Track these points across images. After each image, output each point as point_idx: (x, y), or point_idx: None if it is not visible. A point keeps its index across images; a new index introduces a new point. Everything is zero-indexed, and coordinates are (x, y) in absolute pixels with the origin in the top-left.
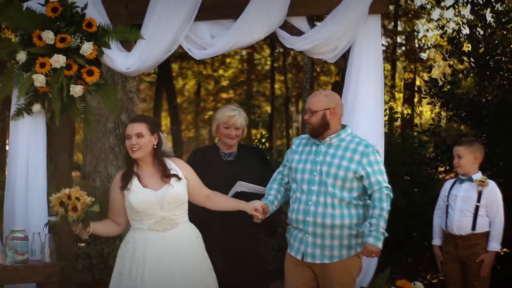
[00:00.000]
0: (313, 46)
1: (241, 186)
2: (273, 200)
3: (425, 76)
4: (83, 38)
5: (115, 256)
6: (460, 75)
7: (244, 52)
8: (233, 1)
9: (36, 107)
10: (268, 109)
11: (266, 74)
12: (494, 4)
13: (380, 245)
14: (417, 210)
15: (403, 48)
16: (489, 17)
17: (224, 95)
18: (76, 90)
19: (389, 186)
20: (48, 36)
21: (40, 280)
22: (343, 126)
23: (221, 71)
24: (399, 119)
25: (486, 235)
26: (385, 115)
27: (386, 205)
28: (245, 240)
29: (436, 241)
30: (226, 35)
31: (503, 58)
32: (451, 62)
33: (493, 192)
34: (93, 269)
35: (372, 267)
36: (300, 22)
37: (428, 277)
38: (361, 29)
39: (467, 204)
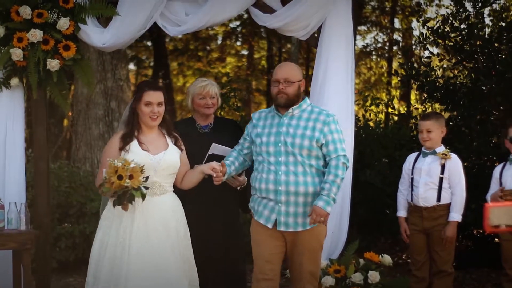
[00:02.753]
0: (284, 23)
1: (215, 148)
2: (230, 164)
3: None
4: (60, 14)
5: None
6: (435, 58)
7: (244, 52)
8: None
9: (14, 81)
10: (264, 106)
11: (263, 70)
12: None
13: (329, 209)
14: (391, 189)
15: (400, 45)
16: (468, 5)
17: (223, 90)
18: (53, 64)
19: (347, 155)
20: (26, 11)
21: (15, 247)
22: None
23: (220, 68)
24: (395, 116)
25: (449, 206)
26: (381, 112)
27: (341, 173)
28: (222, 215)
29: (401, 212)
30: (200, 12)
31: (478, 42)
32: (426, 45)
33: (455, 164)
34: (76, 248)
35: (342, 240)
36: (272, 0)
37: (404, 257)
38: (332, 7)
39: (431, 177)
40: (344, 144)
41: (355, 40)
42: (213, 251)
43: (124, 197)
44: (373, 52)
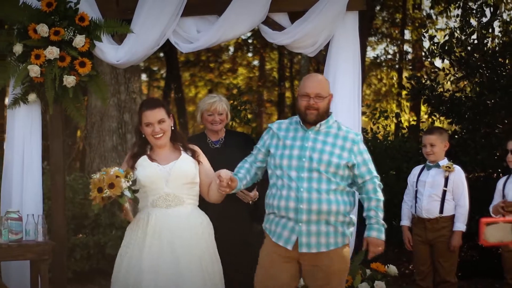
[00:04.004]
0: (293, 40)
1: None
2: (242, 178)
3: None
4: (76, 32)
5: (112, 246)
6: (441, 72)
7: (256, 62)
8: None
9: (32, 96)
10: (275, 116)
11: (274, 81)
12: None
13: (383, 237)
14: (398, 201)
15: (409, 56)
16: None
17: (234, 102)
18: (69, 80)
19: (378, 175)
20: (43, 29)
21: (33, 258)
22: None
23: (231, 79)
24: (406, 128)
25: (452, 218)
26: (389, 125)
27: (381, 195)
28: (235, 227)
29: (405, 222)
30: (211, 30)
31: (483, 57)
32: (433, 60)
33: (458, 176)
34: (91, 259)
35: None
36: (281, 18)
37: (410, 267)
38: (339, 24)
39: (435, 189)
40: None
41: (365, 51)
42: (225, 265)
43: (115, 206)
44: (383, 64)
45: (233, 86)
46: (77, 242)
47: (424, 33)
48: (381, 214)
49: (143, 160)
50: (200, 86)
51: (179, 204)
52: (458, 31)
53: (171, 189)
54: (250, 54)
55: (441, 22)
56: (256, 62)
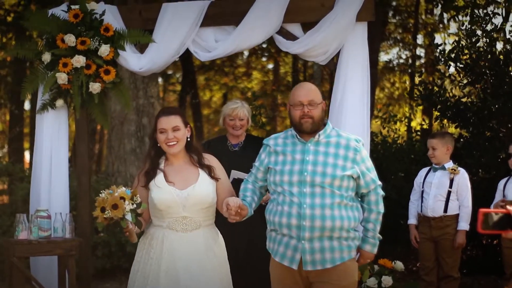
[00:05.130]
0: (306, 49)
1: (235, 174)
2: (251, 202)
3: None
4: (101, 41)
5: (132, 244)
6: (447, 79)
7: (270, 66)
8: (235, 9)
9: (59, 102)
10: (289, 119)
11: (288, 85)
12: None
13: (375, 251)
14: (406, 202)
15: (422, 60)
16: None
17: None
18: (95, 87)
19: (380, 183)
20: (70, 39)
21: (61, 253)
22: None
23: (246, 83)
24: (417, 132)
25: (456, 217)
26: (398, 129)
27: (382, 207)
28: (252, 239)
29: (412, 220)
30: (228, 39)
31: (487, 64)
32: (440, 67)
33: (463, 178)
34: (112, 257)
35: None
36: (294, 28)
37: (418, 264)
38: (349, 35)
39: (440, 190)
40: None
41: (378, 56)
42: (237, 268)
43: (117, 228)
44: (396, 68)
45: (247, 90)
46: (99, 240)
47: (431, 42)
48: (378, 227)
49: (159, 182)
50: (215, 90)
51: (196, 228)
52: (463, 40)
53: (188, 213)
54: (264, 59)
55: (454, 26)
56: (270, 66)
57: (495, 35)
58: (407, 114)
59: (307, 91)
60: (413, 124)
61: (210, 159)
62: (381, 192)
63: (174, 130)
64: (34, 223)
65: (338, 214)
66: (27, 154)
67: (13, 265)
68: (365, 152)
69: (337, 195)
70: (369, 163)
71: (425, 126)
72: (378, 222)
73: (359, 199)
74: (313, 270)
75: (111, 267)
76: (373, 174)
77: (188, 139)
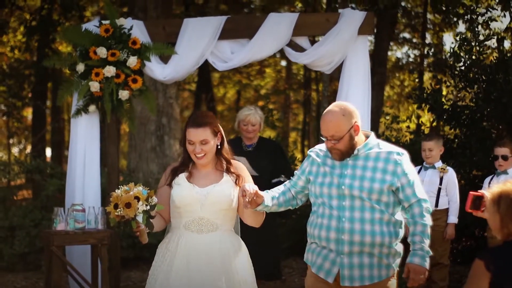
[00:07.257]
0: (312, 60)
1: (242, 160)
2: (274, 197)
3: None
4: (129, 53)
5: (154, 235)
6: (443, 84)
7: (284, 63)
8: (249, 24)
9: (92, 107)
10: (301, 116)
11: (300, 83)
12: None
13: (427, 265)
14: None
15: (430, 59)
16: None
17: (261, 103)
18: (124, 94)
19: (426, 197)
20: (102, 51)
21: (94, 243)
22: (366, 133)
23: (259, 81)
24: (425, 130)
25: (446, 211)
26: (401, 126)
27: (428, 220)
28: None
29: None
30: (243, 51)
31: (479, 71)
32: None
33: (451, 177)
34: (135, 247)
35: None
36: (302, 41)
37: None
38: (352, 47)
39: (431, 186)
40: (421, 185)
41: (386, 55)
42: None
43: (127, 227)
44: (404, 67)
45: (260, 87)
46: (123, 232)
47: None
48: (426, 241)
49: (181, 179)
50: (229, 87)
51: (212, 230)
52: (457, 48)
53: (205, 214)
54: (278, 55)
55: (461, 27)
56: (283, 63)
57: (487, 44)
58: (416, 113)
59: (327, 126)
60: (424, 120)
61: (239, 168)
62: (426, 205)
63: (202, 143)
64: (70, 215)
65: (378, 229)
66: (48, 151)
67: (52, 253)
68: (408, 166)
69: (377, 210)
70: (412, 177)
71: (435, 124)
72: (425, 235)
73: (405, 216)
74: (349, 287)
75: (135, 257)
76: (416, 188)
77: (218, 147)
